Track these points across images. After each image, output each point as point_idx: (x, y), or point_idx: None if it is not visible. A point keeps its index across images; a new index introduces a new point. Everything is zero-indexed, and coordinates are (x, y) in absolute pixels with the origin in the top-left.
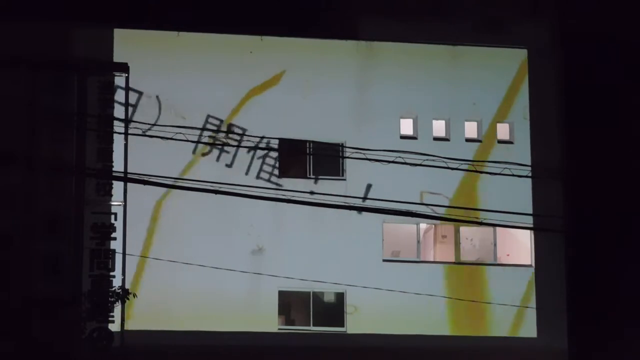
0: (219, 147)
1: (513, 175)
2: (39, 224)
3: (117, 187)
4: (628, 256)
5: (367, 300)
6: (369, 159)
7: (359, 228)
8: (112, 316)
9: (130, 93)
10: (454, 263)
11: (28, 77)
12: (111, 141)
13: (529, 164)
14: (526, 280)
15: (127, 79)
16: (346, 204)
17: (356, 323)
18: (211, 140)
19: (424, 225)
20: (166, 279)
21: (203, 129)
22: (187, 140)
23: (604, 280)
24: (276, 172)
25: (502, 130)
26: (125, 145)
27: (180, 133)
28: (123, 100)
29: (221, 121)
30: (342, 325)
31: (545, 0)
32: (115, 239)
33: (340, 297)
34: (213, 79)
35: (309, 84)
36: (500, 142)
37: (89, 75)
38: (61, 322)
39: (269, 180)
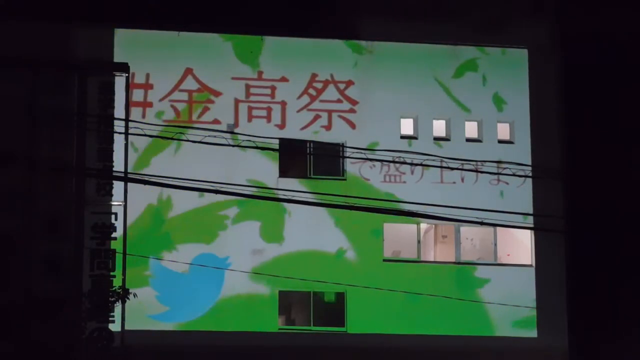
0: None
1: (513, 175)
2: (39, 224)
3: (117, 187)
4: (628, 256)
5: (367, 300)
6: (369, 159)
7: (359, 228)
8: (113, 316)
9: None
10: (455, 263)
11: (28, 77)
12: (111, 141)
13: (529, 163)
14: (527, 280)
15: (127, 78)
16: (346, 204)
17: (356, 323)
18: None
19: (424, 225)
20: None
21: (203, 129)
22: (187, 140)
23: (604, 280)
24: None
25: (502, 130)
26: (126, 145)
27: (181, 133)
28: (123, 100)
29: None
30: (342, 325)
31: (545, 0)
32: (115, 239)
33: (340, 297)
34: (213, 79)
35: (309, 84)
36: (500, 142)
37: (89, 75)
38: (61, 322)
39: None
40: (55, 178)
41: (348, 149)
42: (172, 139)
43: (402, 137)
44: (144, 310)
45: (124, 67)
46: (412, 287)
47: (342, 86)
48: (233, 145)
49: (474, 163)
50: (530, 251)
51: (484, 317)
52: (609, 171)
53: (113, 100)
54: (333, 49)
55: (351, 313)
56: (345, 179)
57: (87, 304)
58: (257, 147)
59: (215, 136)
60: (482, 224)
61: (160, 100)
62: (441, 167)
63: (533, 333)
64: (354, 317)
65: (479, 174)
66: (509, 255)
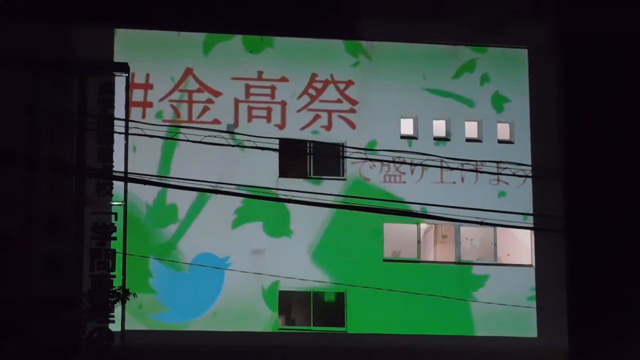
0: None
1: (513, 175)
2: (39, 224)
3: (117, 187)
4: (628, 256)
5: (367, 300)
6: (369, 159)
7: (359, 228)
8: (113, 316)
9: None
10: (455, 263)
11: (28, 77)
12: (111, 141)
13: (529, 163)
14: (527, 280)
15: (127, 78)
16: (346, 204)
17: (356, 323)
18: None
19: (424, 225)
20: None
21: (203, 129)
22: (187, 140)
23: (604, 280)
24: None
25: (502, 130)
26: (126, 145)
27: (181, 133)
28: (123, 100)
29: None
30: (342, 325)
31: (545, 0)
32: (115, 239)
33: (340, 297)
34: (213, 79)
35: (309, 84)
36: (500, 142)
37: (89, 75)
38: (61, 322)
39: None
40: (55, 178)
41: (348, 149)
42: (172, 138)
43: (402, 137)
44: (144, 310)
45: (124, 67)
46: (412, 287)
47: (342, 86)
48: (233, 145)
49: (474, 163)
50: (530, 251)
51: (483, 317)
52: (609, 171)
53: (113, 100)
54: (333, 49)
55: (351, 313)
56: (345, 179)
57: (87, 304)
58: (257, 147)
59: (215, 136)
60: (482, 224)
61: (160, 100)
62: (441, 167)
63: (533, 333)
64: (354, 317)
65: (479, 174)
66: (509, 255)
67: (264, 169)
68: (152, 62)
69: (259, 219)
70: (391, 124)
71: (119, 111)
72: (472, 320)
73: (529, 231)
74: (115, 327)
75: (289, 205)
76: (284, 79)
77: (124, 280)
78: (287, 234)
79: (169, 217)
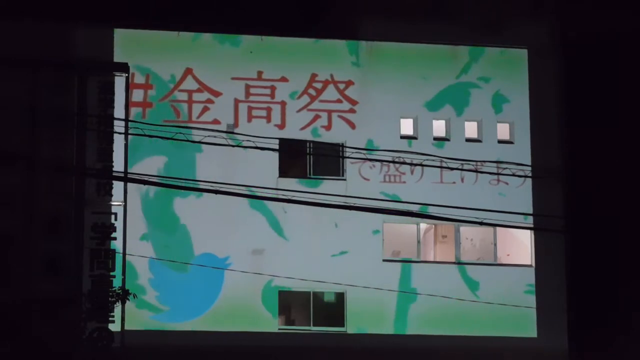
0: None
1: (513, 175)
2: (39, 224)
3: (117, 187)
4: (628, 256)
5: (367, 300)
6: (369, 159)
7: (359, 228)
8: (113, 316)
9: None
10: (454, 263)
11: (28, 77)
12: (111, 141)
13: (529, 164)
14: (526, 280)
15: (127, 79)
16: (346, 204)
17: (356, 323)
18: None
19: (424, 225)
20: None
21: (203, 129)
22: (187, 140)
23: (604, 280)
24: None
25: (502, 130)
26: (126, 145)
27: (181, 133)
28: (123, 100)
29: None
30: (342, 325)
31: (545, 0)
32: (115, 239)
33: (340, 297)
34: (213, 79)
35: (309, 84)
36: (500, 142)
37: (89, 75)
38: (61, 322)
39: None
40: (55, 178)
41: (348, 149)
42: (172, 138)
43: (402, 137)
44: (144, 310)
45: (124, 67)
46: (412, 287)
47: (342, 86)
48: (233, 145)
49: (473, 163)
50: (530, 251)
51: (483, 317)
52: (610, 171)
53: (113, 100)
54: (333, 49)
55: (351, 313)
56: (345, 179)
57: (87, 304)
58: (257, 147)
59: (215, 136)
60: (482, 224)
61: (160, 100)
62: (441, 167)
63: (532, 333)
64: (353, 317)
65: (479, 174)
66: (508, 255)
67: (264, 169)
68: (152, 62)
69: (258, 219)
70: (391, 124)
71: (119, 111)
72: (473, 320)
73: (528, 231)
74: (115, 327)
75: (286, 206)
76: (284, 79)
77: (123, 280)
78: (285, 235)
79: (169, 217)
